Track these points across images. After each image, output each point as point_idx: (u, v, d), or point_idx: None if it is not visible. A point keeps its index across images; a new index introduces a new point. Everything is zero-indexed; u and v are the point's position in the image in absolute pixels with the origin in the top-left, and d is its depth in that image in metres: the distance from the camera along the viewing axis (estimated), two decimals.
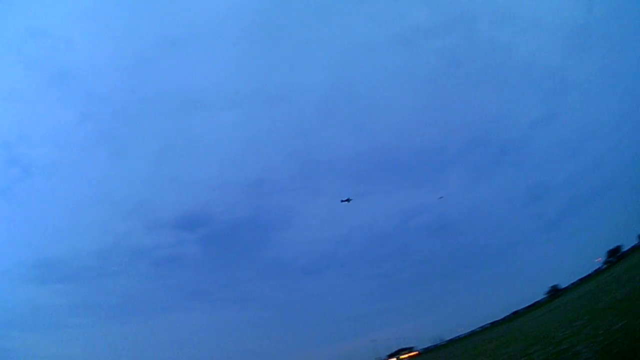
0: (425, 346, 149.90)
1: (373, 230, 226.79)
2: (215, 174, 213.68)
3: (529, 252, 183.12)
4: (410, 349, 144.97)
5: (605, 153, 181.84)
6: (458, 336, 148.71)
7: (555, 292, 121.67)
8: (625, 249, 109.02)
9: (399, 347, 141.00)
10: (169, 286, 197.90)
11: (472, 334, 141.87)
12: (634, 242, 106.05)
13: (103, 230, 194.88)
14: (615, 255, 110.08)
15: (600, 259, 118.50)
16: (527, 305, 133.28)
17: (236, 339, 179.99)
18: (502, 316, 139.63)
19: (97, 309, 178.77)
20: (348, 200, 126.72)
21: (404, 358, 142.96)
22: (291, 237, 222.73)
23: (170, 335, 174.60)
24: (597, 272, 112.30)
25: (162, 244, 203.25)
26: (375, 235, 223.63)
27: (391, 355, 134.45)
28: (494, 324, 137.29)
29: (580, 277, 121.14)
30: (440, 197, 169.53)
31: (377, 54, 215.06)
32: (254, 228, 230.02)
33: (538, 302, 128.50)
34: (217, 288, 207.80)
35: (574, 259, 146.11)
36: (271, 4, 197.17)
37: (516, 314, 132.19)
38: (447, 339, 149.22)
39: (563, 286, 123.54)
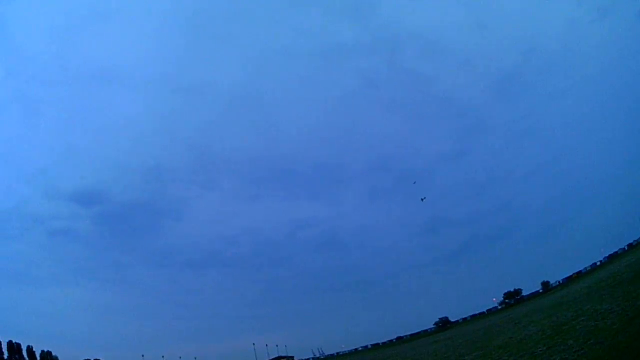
0: (306, 358, 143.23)
1: (262, 236, 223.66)
2: (117, 153, 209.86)
3: (419, 281, 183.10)
4: (290, 358, 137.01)
5: (513, 198, 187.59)
6: (339, 353, 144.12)
7: (444, 324, 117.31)
8: (525, 293, 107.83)
9: (279, 355, 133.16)
10: (61, 259, 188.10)
11: (354, 352, 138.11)
12: (537, 288, 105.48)
13: (6, 191, 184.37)
14: (513, 298, 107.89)
15: (495, 299, 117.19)
16: (413, 332, 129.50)
17: (115, 323, 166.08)
18: (386, 340, 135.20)
19: None
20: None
21: None
22: (181, 228, 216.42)
23: (52, 308, 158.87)
24: (491, 312, 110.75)
25: (59, 215, 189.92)
26: (263, 241, 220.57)
27: None
28: (376, 346, 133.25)
29: (472, 314, 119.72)
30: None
31: (295, 63, 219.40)
32: (147, 214, 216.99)
33: (425, 331, 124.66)
34: (103, 268, 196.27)
35: (467, 296, 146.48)
36: None
37: (400, 340, 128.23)
38: (328, 353, 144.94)
39: (453, 320, 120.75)
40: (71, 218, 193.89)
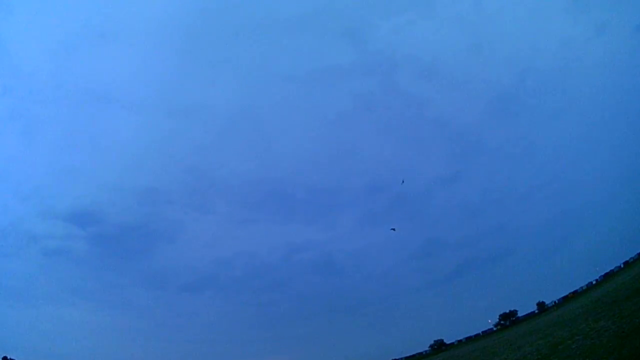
0: None
1: (257, 259, 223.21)
2: (112, 173, 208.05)
3: (414, 303, 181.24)
4: None
5: (509, 220, 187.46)
6: None
7: (439, 346, 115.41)
8: (521, 314, 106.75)
9: None
10: (56, 278, 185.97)
11: None
12: (532, 308, 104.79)
13: (1, 209, 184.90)
14: (508, 319, 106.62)
15: (490, 320, 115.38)
16: (408, 355, 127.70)
17: (110, 344, 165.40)
18: None
19: None
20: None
21: None
22: (176, 251, 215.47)
23: (47, 327, 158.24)
24: (486, 333, 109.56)
25: (54, 234, 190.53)
26: (258, 264, 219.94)
27: None
28: None
29: (467, 336, 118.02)
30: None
31: (290, 85, 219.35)
32: (142, 236, 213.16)
33: (420, 353, 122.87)
34: (99, 289, 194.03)
35: (462, 317, 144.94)
36: (198, 19, 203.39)
37: None
38: None
39: (448, 342, 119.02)
40: (66, 238, 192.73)
